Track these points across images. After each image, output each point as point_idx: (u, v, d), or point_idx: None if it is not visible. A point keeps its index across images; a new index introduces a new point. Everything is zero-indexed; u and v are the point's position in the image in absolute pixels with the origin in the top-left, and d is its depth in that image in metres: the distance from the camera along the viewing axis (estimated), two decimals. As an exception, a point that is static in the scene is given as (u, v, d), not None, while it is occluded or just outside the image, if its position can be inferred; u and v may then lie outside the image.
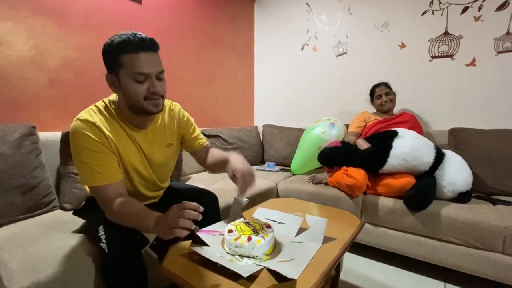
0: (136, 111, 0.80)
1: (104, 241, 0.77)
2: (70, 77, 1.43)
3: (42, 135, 1.23)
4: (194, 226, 0.65)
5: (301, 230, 0.88)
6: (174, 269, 0.67)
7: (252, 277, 0.63)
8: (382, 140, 1.43)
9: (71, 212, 1.01)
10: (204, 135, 2.02)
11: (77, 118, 0.77)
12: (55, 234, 0.93)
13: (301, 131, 2.11)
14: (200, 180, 1.77)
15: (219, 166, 0.99)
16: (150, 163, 0.93)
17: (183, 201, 0.66)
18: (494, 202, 1.31)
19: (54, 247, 0.84)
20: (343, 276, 1.27)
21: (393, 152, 1.34)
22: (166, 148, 0.96)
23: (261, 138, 2.38)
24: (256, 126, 2.43)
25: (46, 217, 1.10)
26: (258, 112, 2.79)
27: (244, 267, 0.66)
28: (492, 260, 1.12)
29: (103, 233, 0.78)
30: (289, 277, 0.59)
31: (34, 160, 1.12)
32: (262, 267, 0.65)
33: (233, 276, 0.63)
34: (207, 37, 2.22)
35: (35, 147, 1.15)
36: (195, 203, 0.67)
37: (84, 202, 0.97)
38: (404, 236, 1.32)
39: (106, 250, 0.76)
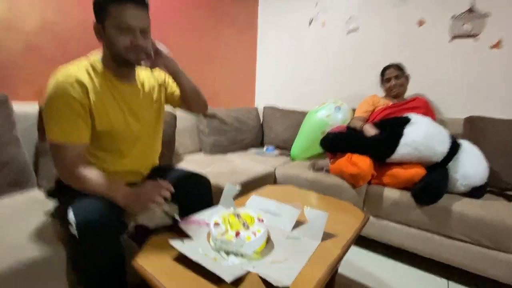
0: (118, 61, 0.81)
1: (73, 224, 0.68)
2: (49, 43, 1.29)
3: (17, 106, 1.10)
4: (168, 206, 0.63)
5: (298, 224, 0.78)
6: (147, 265, 0.58)
7: (238, 281, 0.54)
8: (392, 126, 1.31)
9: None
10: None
11: (60, 72, 0.75)
12: (26, 216, 0.86)
13: (304, 115, 1.96)
14: (194, 161, 1.67)
15: (178, 83, 0.96)
16: (139, 121, 0.90)
17: (158, 179, 0.77)
18: (510, 198, 1.21)
19: (22, 231, 0.77)
20: (339, 268, 1.20)
21: (403, 140, 1.21)
22: (152, 104, 0.95)
23: (261, 120, 2.26)
24: (257, 108, 2.30)
25: (21, 196, 1.01)
26: (260, 92, 2.64)
27: (229, 269, 0.56)
28: (503, 261, 1.03)
29: (72, 215, 0.69)
30: (280, 285, 0.49)
31: (7, 133, 1.02)
32: (248, 270, 0.56)
33: (216, 278, 0.54)
34: (206, 10, 2.02)
35: (8, 120, 1.03)
36: (168, 183, 0.76)
37: (55, 182, 0.88)
38: (408, 230, 1.23)
39: (76, 236, 0.67)
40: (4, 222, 0.81)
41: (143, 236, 0.76)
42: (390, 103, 1.61)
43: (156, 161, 1.09)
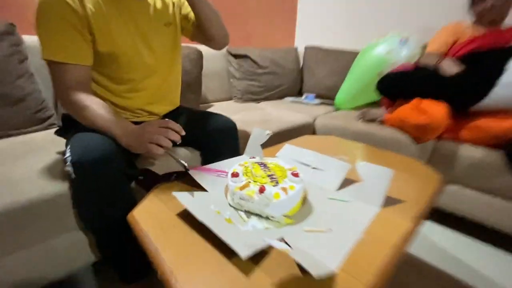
0: None
1: (69, 163, 0.57)
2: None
3: (29, 38, 1.00)
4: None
5: (347, 183, 0.58)
6: (141, 219, 0.44)
7: (258, 256, 0.37)
8: (487, 61, 0.94)
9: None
10: (230, 54, 1.67)
11: None
12: (38, 154, 0.79)
13: (354, 55, 1.59)
14: (222, 108, 1.50)
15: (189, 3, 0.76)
16: (148, 43, 0.75)
17: (166, 119, 0.62)
18: None
19: (31, 169, 0.70)
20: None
21: (505, 79, 0.86)
22: (165, 27, 0.79)
23: (301, 63, 1.94)
24: (296, 48, 1.96)
25: (39, 135, 0.96)
26: (301, 29, 2.23)
27: (247, 237, 0.39)
28: None
29: (69, 154, 0.58)
30: (320, 275, 0.31)
31: (17, 66, 0.92)
32: (272, 244, 0.38)
33: (227, 247, 0.38)
34: None
35: (17, 50, 0.93)
36: (179, 125, 0.60)
37: (61, 119, 0.79)
38: (489, 200, 0.95)
39: (73, 176, 0.57)
40: (15, 158, 0.76)
41: (152, 183, 0.64)
42: (482, 32, 1.17)
43: (176, 101, 0.95)
